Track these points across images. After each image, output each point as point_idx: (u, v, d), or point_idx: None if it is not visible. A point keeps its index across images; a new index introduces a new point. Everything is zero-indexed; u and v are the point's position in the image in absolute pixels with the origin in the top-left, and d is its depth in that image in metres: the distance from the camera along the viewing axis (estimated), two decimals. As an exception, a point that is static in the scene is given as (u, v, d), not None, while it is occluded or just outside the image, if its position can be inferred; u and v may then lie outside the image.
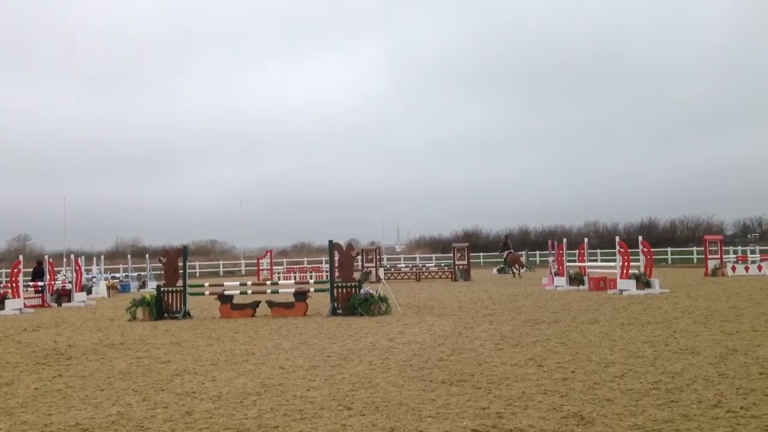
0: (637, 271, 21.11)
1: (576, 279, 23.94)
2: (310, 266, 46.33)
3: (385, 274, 34.44)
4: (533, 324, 13.26)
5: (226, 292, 17.56)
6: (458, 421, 5.89)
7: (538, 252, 54.04)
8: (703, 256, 33.09)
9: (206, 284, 19.42)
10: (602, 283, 22.75)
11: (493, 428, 5.65)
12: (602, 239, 59.36)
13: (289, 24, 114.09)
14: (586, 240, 26.05)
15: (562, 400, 6.56)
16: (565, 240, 25.23)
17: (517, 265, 35.51)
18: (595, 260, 35.17)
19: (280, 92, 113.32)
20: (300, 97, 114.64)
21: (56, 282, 25.43)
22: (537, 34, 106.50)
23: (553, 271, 25.90)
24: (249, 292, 18.40)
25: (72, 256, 26.79)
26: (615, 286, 21.19)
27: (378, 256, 37.80)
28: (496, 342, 10.82)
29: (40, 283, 24.42)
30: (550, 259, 27.19)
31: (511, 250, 36.98)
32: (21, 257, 22.66)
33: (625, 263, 20.96)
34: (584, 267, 24.44)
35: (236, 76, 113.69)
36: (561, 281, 24.16)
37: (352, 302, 16.29)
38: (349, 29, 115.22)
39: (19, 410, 6.92)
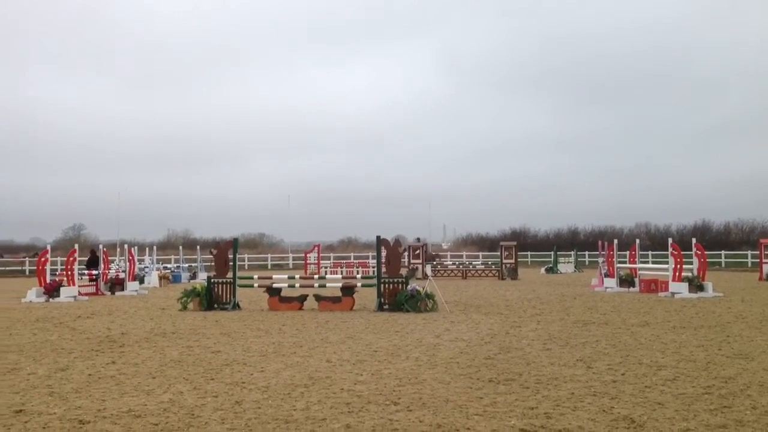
0: (689, 274, 20.69)
1: (626, 281, 23.56)
2: (356, 261, 46.50)
3: (431, 271, 34.38)
4: (582, 325, 13.11)
5: (274, 285, 17.76)
6: (506, 420, 5.87)
7: (587, 252, 53.29)
8: (758, 260, 32.25)
9: (255, 277, 19.64)
10: (653, 286, 22.36)
11: (542, 428, 5.61)
12: (654, 241, 58.19)
13: (340, 22, 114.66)
14: (637, 241, 25.60)
15: (612, 403, 6.48)
16: (615, 241, 24.85)
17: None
18: (647, 262, 34.55)
19: (331, 89, 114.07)
20: (350, 94, 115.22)
21: (110, 271, 26.00)
22: (589, 37, 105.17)
23: (603, 272, 25.54)
24: (297, 285, 18.55)
25: (125, 246, 27.38)
26: (667, 289, 20.81)
27: (424, 253, 37.75)
28: (544, 342, 10.73)
29: (94, 272, 24.96)
30: (600, 259, 26.82)
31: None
32: (76, 246, 23.21)
33: (678, 265, 20.55)
34: (635, 268, 24.03)
35: (289, 72, 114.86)
36: (611, 282, 23.81)
37: (399, 298, 16.31)
38: (400, 27, 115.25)
39: (74, 395, 7.11)
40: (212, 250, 19.17)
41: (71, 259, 22.18)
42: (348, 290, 17.14)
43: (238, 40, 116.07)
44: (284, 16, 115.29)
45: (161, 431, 5.65)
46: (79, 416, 6.18)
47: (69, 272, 22.00)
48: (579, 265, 44.39)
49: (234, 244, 18.29)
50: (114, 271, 26.72)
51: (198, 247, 41.46)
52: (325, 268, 40.99)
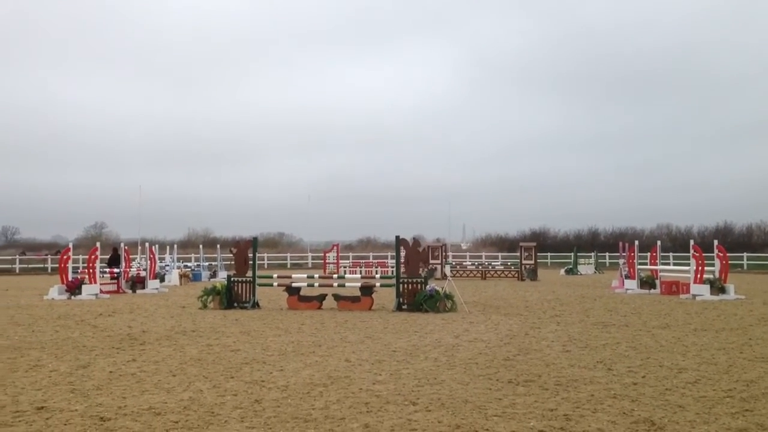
0: (711, 276, 20.51)
1: (647, 282, 23.38)
2: (375, 261, 46.51)
3: (450, 271, 34.32)
4: (602, 327, 13.03)
5: (294, 284, 17.82)
6: (525, 422, 5.85)
7: (607, 254, 52.88)
8: (782, 263, 31.87)
9: (274, 276, 19.72)
10: (675, 288, 22.16)
11: (561, 430, 5.58)
12: (675, 242, 57.74)
13: (359, 21, 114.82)
14: (658, 242, 25.38)
15: (632, 405, 6.44)
16: (636, 242, 24.67)
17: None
18: (668, 264, 34.28)
19: (350, 88, 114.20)
20: (369, 93, 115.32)
21: (131, 269, 26.19)
22: (609, 35, 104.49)
23: (623, 273, 25.36)
24: (316, 285, 18.61)
25: (147, 245, 27.60)
26: (688, 291, 20.62)
27: (443, 253, 37.70)
28: (564, 343, 10.68)
29: (116, 270, 25.15)
30: (621, 261, 26.62)
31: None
32: (98, 244, 23.41)
33: (700, 267, 20.37)
34: (656, 270, 23.84)
35: (306, 71, 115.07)
36: (631, 284, 23.64)
37: (418, 298, 16.30)
38: (420, 26, 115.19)
39: (95, 392, 7.18)
40: (232, 248, 19.28)
41: (93, 257, 22.37)
42: (367, 290, 17.16)
43: (260, 37, 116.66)
44: (303, 13, 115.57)
45: (181, 429, 5.69)
46: (100, 413, 6.23)
47: (91, 270, 22.19)
48: (599, 267, 44.09)
49: (254, 243, 18.37)
50: (135, 269, 26.89)
51: (218, 245, 41.63)
52: (344, 267, 41.04)
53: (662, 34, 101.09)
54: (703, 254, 20.81)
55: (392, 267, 28.00)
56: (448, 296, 16.34)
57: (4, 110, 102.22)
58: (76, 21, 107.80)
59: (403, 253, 17.10)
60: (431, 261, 36.36)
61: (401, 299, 16.64)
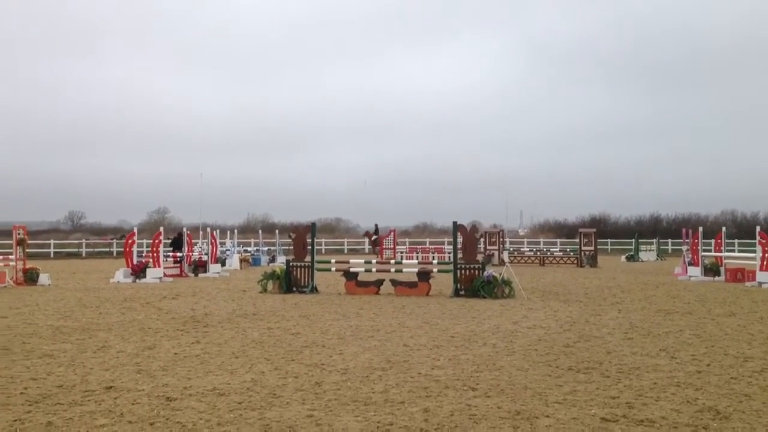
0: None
1: (711, 269, 22.81)
2: (432, 247, 46.42)
3: (508, 257, 34.07)
4: (665, 314, 12.78)
5: (351, 269, 17.93)
6: (586, 409, 5.79)
7: (670, 240, 51.59)
8: None
9: (332, 261, 19.88)
10: (740, 275, 21.60)
11: (623, 418, 5.51)
12: (740, 229, 56.10)
13: (421, 12, 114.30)
14: (723, 229, 24.70)
15: (697, 394, 6.32)
16: (701, 228, 24.05)
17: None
18: (732, 250, 33.33)
19: (410, 76, 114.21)
20: (428, 82, 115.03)
21: (193, 253, 26.72)
22: (671, 22, 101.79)
23: (687, 260, 24.79)
24: (373, 270, 18.70)
25: (208, 229, 28.12)
26: (754, 278, 20.04)
27: (501, 240, 37.44)
28: (625, 331, 10.51)
29: (179, 254, 25.71)
30: (684, 248, 26.02)
31: (380, 236, 41.34)
32: (161, 229, 23.94)
33: (766, 254, 19.76)
34: (721, 257, 23.22)
35: (367, 60, 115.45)
36: (695, 271, 23.10)
37: (475, 284, 16.24)
38: (477, 14, 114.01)
39: (161, 373, 7.37)
40: (291, 234, 19.50)
41: (156, 241, 22.89)
42: (424, 275, 17.16)
43: (316, 30, 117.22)
44: (364, 5, 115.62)
45: (245, 410, 5.81)
46: (166, 393, 6.41)
47: (155, 254, 22.73)
48: (661, 253, 43.18)
49: (312, 228, 18.55)
50: (197, 253, 27.44)
51: (277, 231, 42.18)
52: (401, 253, 41.09)
53: (729, 22, 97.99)
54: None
55: (449, 253, 27.88)
56: (506, 282, 16.23)
57: (75, 103, 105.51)
58: (147, 17, 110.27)
59: (460, 239, 17.03)
60: (489, 247, 36.18)
61: (459, 285, 16.60)
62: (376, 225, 43.61)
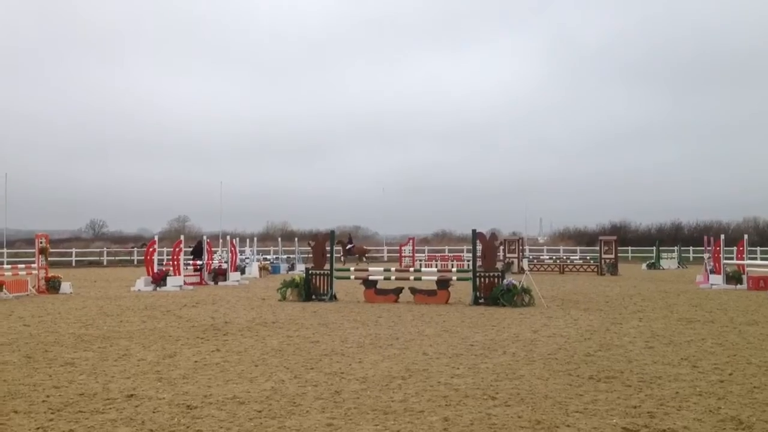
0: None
1: (734, 277, 22.57)
2: (451, 255, 46.32)
3: (528, 265, 33.89)
4: (687, 323, 12.66)
5: (370, 277, 17.94)
6: (607, 418, 5.75)
7: (691, 248, 51.12)
8: None
9: (351, 269, 19.90)
10: (763, 283, 21.37)
11: (645, 428, 5.47)
12: (763, 237, 55.59)
13: (443, 14, 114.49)
14: (745, 236, 24.45)
15: (719, 403, 6.25)
16: (722, 236, 23.82)
17: (364, 256, 43.02)
18: (755, 258, 33.00)
19: (431, 81, 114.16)
20: (447, 87, 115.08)
21: (213, 261, 26.85)
22: (695, 24, 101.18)
23: (708, 268, 24.55)
24: (392, 278, 18.68)
25: (228, 238, 28.25)
26: (778, 287, 19.82)
27: (520, 247, 37.29)
28: (647, 340, 10.43)
29: (199, 262, 25.83)
30: (706, 255, 25.79)
31: (354, 245, 44.01)
32: (182, 237, 24.08)
33: (791, 262, 19.55)
34: (743, 265, 22.98)
35: (386, 65, 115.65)
36: (717, 279, 22.86)
37: (495, 292, 16.18)
38: (504, 16, 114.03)
39: (181, 381, 7.41)
40: (310, 242, 19.57)
41: (177, 249, 23.03)
42: (443, 283, 17.13)
43: (335, 35, 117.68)
44: (385, 8, 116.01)
45: (264, 418, 5.82)
46: (187, 401, 6.44)
47: (175, 262, 22.86)
48: (683, 261, 42.76)
49: (331, 236, 18.59)
50: (217, 261, 27.56)
51: (296, 239, 42.29)
52: (420, 261, 41.03)
53: (752, 24, 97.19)
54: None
55: (468, 261, 27.81)
56: (526, 290, 16.16)
57: (94, 110, 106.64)
58: (168, 22, 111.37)
59: (479, 247, 16.99)
60: (508, 255, 36.04)
61: (478, 293, 16.55)
62: (350, 234, 44.40)
